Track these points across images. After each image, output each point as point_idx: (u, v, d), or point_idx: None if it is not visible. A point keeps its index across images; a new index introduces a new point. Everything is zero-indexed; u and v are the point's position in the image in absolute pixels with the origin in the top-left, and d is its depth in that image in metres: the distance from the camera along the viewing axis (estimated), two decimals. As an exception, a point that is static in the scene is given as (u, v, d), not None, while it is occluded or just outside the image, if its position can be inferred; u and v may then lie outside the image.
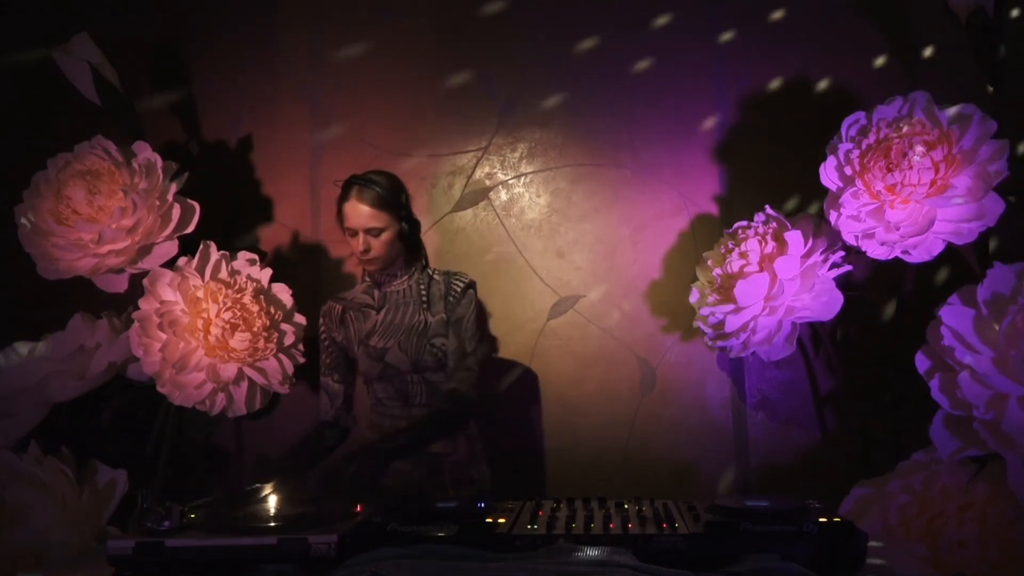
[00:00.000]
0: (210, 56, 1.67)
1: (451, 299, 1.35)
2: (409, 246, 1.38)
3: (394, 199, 1.33)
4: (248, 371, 1.36)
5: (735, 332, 1.39)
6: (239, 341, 1.32)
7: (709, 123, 1.61)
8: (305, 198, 1.66)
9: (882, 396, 1.52)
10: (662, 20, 1.63)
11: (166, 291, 1.36)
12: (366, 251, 1.33)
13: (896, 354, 1.46)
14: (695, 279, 1.51)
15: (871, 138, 1.29)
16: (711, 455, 1.57)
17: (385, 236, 1.33)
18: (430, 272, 1.39)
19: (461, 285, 1.36)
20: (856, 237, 1.31)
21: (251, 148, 1.67)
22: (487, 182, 1.65)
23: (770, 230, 1.38)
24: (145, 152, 1.41)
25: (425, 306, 1.36)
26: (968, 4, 1.37)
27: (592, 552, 0.85)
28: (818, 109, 1.57)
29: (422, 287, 1.37)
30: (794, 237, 1.35)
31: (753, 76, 1.61)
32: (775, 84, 1.60)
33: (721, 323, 1.40)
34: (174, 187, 1.40)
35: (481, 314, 1.39)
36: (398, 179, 1.37)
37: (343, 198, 1.34)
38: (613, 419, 1.59)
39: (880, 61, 1.57)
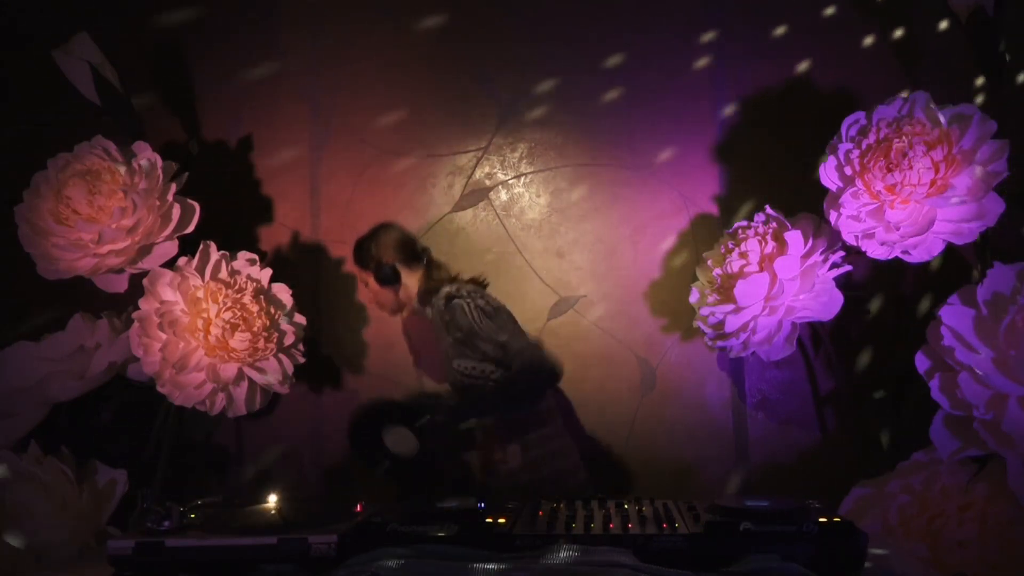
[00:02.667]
0: (210, 56, 1.67)
1: (445, 319, 1.40)
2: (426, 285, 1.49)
3: (360, 258, 1.48)
4: (248, 371, 1.37)
5: (735, 332, 1.39)
6: (239, 341, 1.32)
7: (709, 123, 1.61)
8: (305, 198, 1.66)
9: (882, 396, 1.52)
10: (663, 20, 1.63)
11: (166, 291, 1.36)
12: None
13: (896, 354, 1.46)
14: (695, 279, 1.51)
15: (871, 138, 1.29)
16: (711, 455, 1.57)
17: (368, 290, 1.51)
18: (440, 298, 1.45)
19: (442, 303, 1.42)
20: (856, 237, 1.31)
21: (251, 148, 1.67)
22: (487, 182, 1.65)
23: (770, 230, 1.38)
24: (145, 152, 1.41)
25: (443, 332, 1.43)
26: (968, 4, 1.37)
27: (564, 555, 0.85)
28: (818, 109, 1.57)
29: (432, 314, 1.46)
30: (794, 237, 1.35)
31: (753, 76, 1.60)
32: (775, 84, 1.60)
33: (721, 323, 1.40)
34: (174, 187, 1.40)
35: (490, 307, 1.42)
36: (364, 238, 1.50)
37: None
38: (613, 419, 1.59)
39: (880, 61, 1.57)
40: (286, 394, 1.47)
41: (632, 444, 1.58)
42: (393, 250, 1.50)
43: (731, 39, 1.62)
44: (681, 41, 1.62)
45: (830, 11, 1.60)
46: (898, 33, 1.57)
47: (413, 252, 1.52)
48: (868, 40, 1.58)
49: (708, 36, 1.62)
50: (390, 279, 1.48)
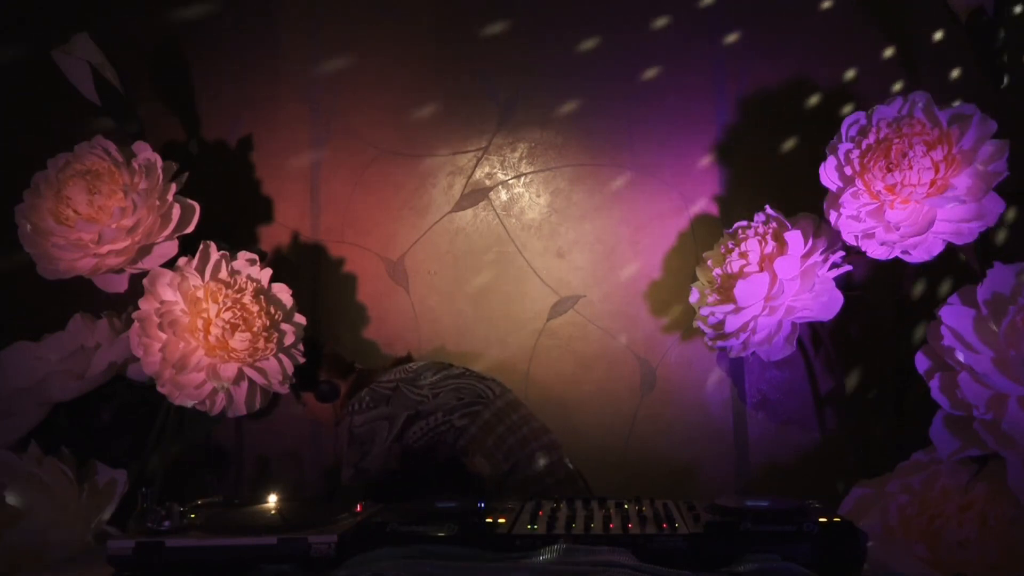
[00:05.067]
0: (210, 56, 1.67)
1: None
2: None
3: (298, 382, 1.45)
4: (248, 371, 1.37)
5: (735, 332, 1.39)
6: (239, 341, 1.32)
7: (709, 123, 1.61)
8: (305, 198, 1.66)
9: (882, 396, 1.52)
10: (662, 20, 1.63)
11: (166, 291, 1.36)
12: None
13: (896, 354, 1.46)
14: (695, 279, 1.51)
15: (871, 138, 1.29)
16: (711, 455, 1.57)
17: (308, 409, 1.52)
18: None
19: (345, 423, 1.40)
20: (856, 237, 1.31)
21: (251, 148, 1.67)
22: (487, 182, 1.65)
23: (770, 230, 1.38)
24: (145, 152, 1.41)
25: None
26: (968, 4, 1.37)
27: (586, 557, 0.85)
28: (818, 109, 1.57)
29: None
30: (794, 237, 1.35)
31: (753, 76, 1.60)
32: (775, 84, 1.60)
33: (721, 323, 1.40)
34: (174, 187, 1.40)
35: (362, 428, 1.39)
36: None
37: None
38: (613, 419, 1.59)
39: (880, 61, 1.57)
40: (286, 394, 1.48)
41: (632, 444, 1.58)
42: (326, 369, 1.49)
43: (731, 39, 1.62)
44: (681, 41, 1.62)
45: (830, 11, 1.60)
46: (898, 33, 1.57)
47: (345, 365, 1.52)
48: (868, 40, 1.58)
49: (708, 36, 1.62)
50: (329, 396, 1.46)
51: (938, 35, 1.55)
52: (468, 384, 1.39)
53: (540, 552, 0.85)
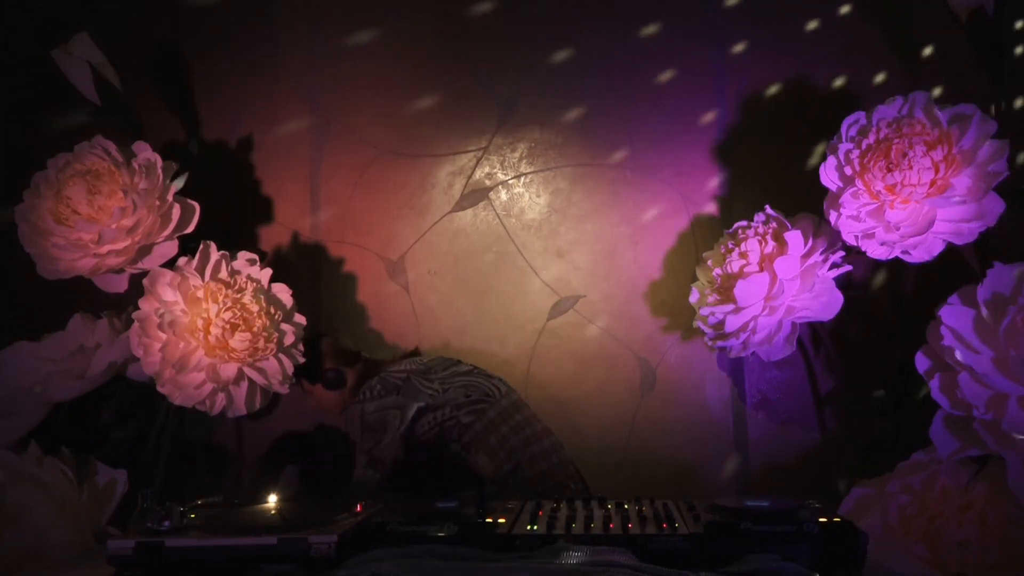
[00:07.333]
0: (210, 56, 1.67)
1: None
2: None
3: (302, 371, 1.45)
4: (248, 371, 1.37)
5: (735, 332, 1.39)
6: (239, 341, 1.32)
7: (709, 123, 1.61)
8: (305, 198, 1.66)
9: (882, 396, 1.52)
10: (663, 21, 1.63)
11: (166, 291, 1.36)
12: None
13: (896, 354, 1.46)
14: (695, 279, 1.51)
15: (871, 138, 1.29)
16: (711, 455, 1.57)
17: (313, 398, 1.52)
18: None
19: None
20: (856, 237, 1.31)
21: (251, 148, 1.67)
22: (487, 182, 1.65)
23: (770, 230, 1.38)
24: (145, 152, 1.41)
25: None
26: (968, 4, 1.37)
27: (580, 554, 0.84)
28: (818, 109, 1.57)
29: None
30: (794, 237, 1.35)
31: (753, 76, 1.60)
32: (775, 84, 1.60)
33: (721, 323, 1.40)
34: (174, 187, 1.41)
35: (375, 414, 1.40)
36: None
37: None
38: (613, 419, 1.59)
39: (880, 61, 1.57)
40: (286, 394, 1.48)
41: (632, 444, 1.58)
42: (333, 357, 1.50)
43: (731, 39, 1.62)
44: (682, 42, 1.62)
45: (830, 11, 1.60)
46: (898, 33, 1.57)
47: (350, 354, 1.52)
48: (868, 40, 1.58)
49: (709, 36, 1.62)
50: (336, 384, 1.47)
51: (938, 35, 1.54)
52: (476, 382, 1.40)
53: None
